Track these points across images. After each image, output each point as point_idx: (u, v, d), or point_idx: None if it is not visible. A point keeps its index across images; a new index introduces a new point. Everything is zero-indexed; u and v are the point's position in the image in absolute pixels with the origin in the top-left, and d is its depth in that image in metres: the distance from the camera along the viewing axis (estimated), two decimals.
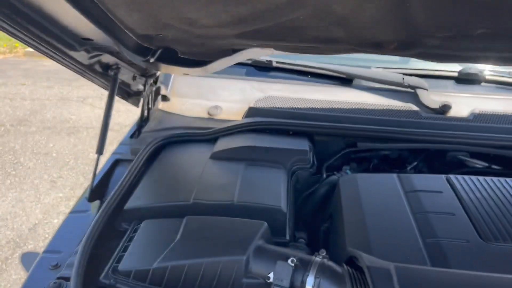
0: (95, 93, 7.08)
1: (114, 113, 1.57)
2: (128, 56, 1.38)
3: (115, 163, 1.71)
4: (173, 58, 1.47)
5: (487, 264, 1.09)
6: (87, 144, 5.38)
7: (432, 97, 1.93)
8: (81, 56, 1.40)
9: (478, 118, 1.85)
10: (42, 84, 7.62)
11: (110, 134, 1.54)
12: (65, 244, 1.26)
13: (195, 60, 1.50)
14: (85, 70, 1.50)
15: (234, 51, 1.42)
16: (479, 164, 1.97)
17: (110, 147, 1.84)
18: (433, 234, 1.19)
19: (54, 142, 5.40)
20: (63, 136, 5.58)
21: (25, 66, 8.75)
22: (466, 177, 1.46)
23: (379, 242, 1.18)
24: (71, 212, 1.42)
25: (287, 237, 1.35)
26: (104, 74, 1.58)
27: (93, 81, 1.62)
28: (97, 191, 1.53)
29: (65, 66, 1.43)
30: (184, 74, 1.63)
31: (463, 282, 0.99)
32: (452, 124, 1.80)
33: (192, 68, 1.53)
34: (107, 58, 1.52)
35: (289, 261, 1.08)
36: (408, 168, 1.85)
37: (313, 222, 1.60)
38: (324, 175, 1.66)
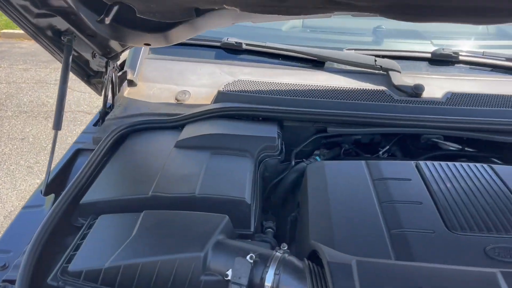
0: (73, 76, 6.88)
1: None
2: (80, 11, 1.30)
3: (76, 153, 1.63)
4: (131, 20, 1.37)
5: (452, 255, 1.06)
6: (65, 128, 5.25)
7: (405, 79, 1.88)
8: (28, 9, 1.33)
9: (452, 100, 1.81)
10: (19, 66, 7.38)
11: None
12: (15, 243, 1.19)
13: (155, 24, 1.40)
14: (36, 32, 1.43)
15: (197, 12, 1.31)
16: (453, 146, 1.94)
17: None
18: (398, 225, 1.15)
19: (31, 127, 5.26)
20: (40, 121, 5.43)
21: (1, 48, 8.47)
22: (436, 163, 1.42)
23: (343, 234, 1.14)
24: (24, 208, 1.36)
25: (252, 229, 1.30)
26: (57, 41, 1.51)
27: (47, 49, 1.54)
28: (55, 184, 1.46)
29: (14, 22, 1.36)
30: (145, 44, 1.54)
31: (425, 276, 0.96)
32: (425, 107, 1.76)
33: (152, 34, 1.43)
34: (59, 23, 1.46)
35: (248, 257, 1.03)
36: (381, 153, 1.81)
37: (282, 211, 1.55)
38: (293, 162, 1.61)
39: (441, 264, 1.01)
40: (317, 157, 1.65)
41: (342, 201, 1.26)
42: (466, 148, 1.94)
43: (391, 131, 1.72)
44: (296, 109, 1.71)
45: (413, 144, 1.98)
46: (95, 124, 1.85)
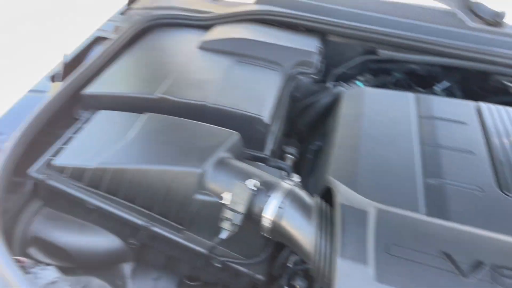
0: None
1: None
2: None
3: (95, 41, 1.49)
4: None
5: (496, 221, 0.86)
6: None
7: (485, 3, 1.53)
8: None
9: None
10: None
11: None
12: (10, 126, 1.10)
13: None
14: None
15: None
16: None
17: None
18: (438, 174, 0.94)
19: None
20: None
21: None
22: (502, 108, 1.16)
23: (369, 175, 0.95)
24: (29, 91, 1.25)
25: (267, 152, 1.14)
26: None
27: None
28: (68, 71, 1.34)
29: None
30: None
31: (454, 240, 0.78)
32: (504, 41, 1.43)
33: None
34: None
35: (250, 182, 0.88)
36: (438, 89, 1.54)
37: (308, 138, 1.37)
38: (330, 84, 1.39)
39: (479, 228, 0.82)
40: (360, 83, 1.42)
41: (376, 135, 1.06)
42: None
43: (456, 64, 1.43)
44: (343, 22, 1.45)
45: (478, 84, 1.68)
46: (122, 13, 1.67)
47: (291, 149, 1.29)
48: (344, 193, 0.86)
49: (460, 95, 1.64)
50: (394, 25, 1.45)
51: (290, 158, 1.27)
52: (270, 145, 1.17)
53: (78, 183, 0.95)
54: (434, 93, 1.55)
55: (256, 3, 1.61)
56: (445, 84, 1.55)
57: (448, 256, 0.75)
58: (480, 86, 1.67)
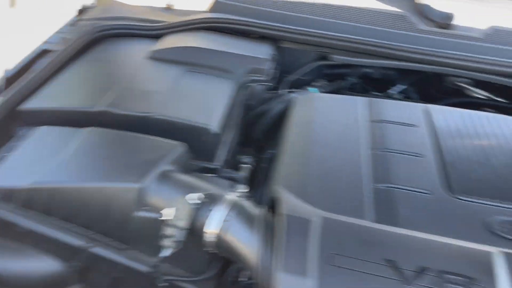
0: None
1: None
2: None
3: (41, 54, 1.43)
4: None
5: (446, 224, 0.84)
6: None
7: (435, 6, 1.54)
8: None
9: (493, 37, 1.47)
10: None
11: None
12: None
13: None
14: None
15: None
16: (482, 94, 1.64)
17: None
18: (387, 179, 0.93)
19: None
20: None
21: None
22: (452, 110, 1.16)
23: (317, 182, 0.93)
24: None
25: (219, 163, 1.11)
26: None
27: None
28: (9, 86, 1.28)
29: None
30: None
31: (402, 246, 0.76)
32: (456, 42, 1.44)
33: None
34: None
35: (193, 196, 0.85)
36: (393, 92, 1.54)
37: (264, 146, 1.34)
38: (283, 91, 1.37)
39: (428, 233, 0.80)
40: (314, 89, 1.40)
41: (325, 141, 1.04)
42: (497, 98, 1.65)
43: (409, 66, 1.43)
44: (296, 28, 1.43)
45: (434, 86, 1.69)
46: (71, 24, 1.62)
47: (247, 159, 1.26)
48: (289, 203, 0.84)
49: (416, 97, 1.65)
50: (347, 29, 1.44)
51: (245, 168, 1.24)
52: (222, 155, 1.14)
53: (9, 204, 0.89)
54: (389, 97, 1.55)
55: (209, 11, 1.59)
56: (400, 87, 1.55)
57: (392, 264, 0.73)
58: (436, 88, 1.68)
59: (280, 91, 1.38)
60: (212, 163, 1.10)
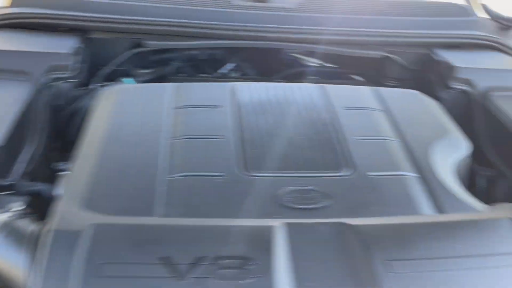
0: None
1: None
2: None
3: None
4: None
5: (237, 206, 0.83)
6: None
7: None
8: None
9: (305, 6, 1.50)
10: None
11: None
12: None
13: None
14: None
15: None
16: (314, 62, 1.70)
17: None
18: (180, 168, 0.89)
19: None
20: None
21: None
22: (258, 85, 1.16)
23: (108, 184, 0.86)
24: None
25: (14, 178, 0.99)
26: None
27: None
28: None
29: None
30: None
31: (176, 240, 0.72)
32: (271, 15, 1.45)
33: None
34: None
35: None
36: (224, 72, 1.52)
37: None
38: (95, 86, 1.27)
39: (219, 218, 0.78)
40: (129, 79, 1.32)
41: (123, 137, 0.97)
42: (326, 64, 1.71)
43: (228, 44, 1.41)
44: (105, 16, 1.33)
45: (271, 59, 1.71)
46: None
47: (64, 165, 1.15)
48: (62, 214, 0.76)
49: (254, 73, 1.65)
50: (160, 13, 1.37)
51: (63, 175, 1.13)
52: (19, 169, 1.02)
53: None
54: (223, 77, 1.53)
55: (10, 6, 1.41)
56: (229, 66, 1.53)
57: (167, 260, 0.69)
58: (274, 61, 1.70)
59: (92, 86, 1.28)
60: (4, 179, 0.98)
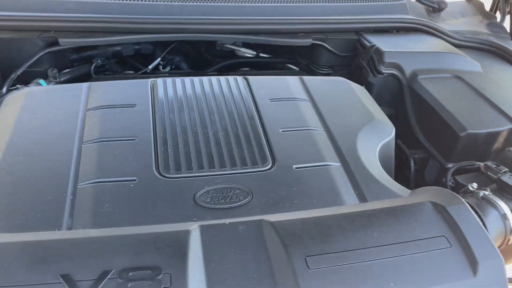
0: None
1: None
2: None
3: None
4: None
5: (151, 211, 0.78)
6: None
7: None
8: None
9: None
10: None
11: None
12: None
13: None
14: None
15: None
16: (249, 53, 1.66)
17: None
18: (93, 174, 0.82)
19: None
20: None
21: None
22: (176, 80, 1.09)
23: (11, 198, 0.78)
24: None
25: None
26: None
27: None
28: None
29: None
30: None
31: (79, 254, 0.66)
32: (189, 5, 1.37)
33: None
34: None
35: None
36: (152, 67, 1.44)
37: None
38: (4, 90, 1.17)
39: (131, 225, 0.73)
40: (42, 81, 1.22)
41: (28, 146, 0.89)
42: (261, 54, 1.68)
43: (146, 39, 1.34)
44: (12, 14, 1.22)
45: (205, 52, 1.65)
46: None
47: None
48: None
49: (186, 66, 1.59)
50: (73, 8, 1.27)
51: None
52: None
53: None
54: (153, 73, 1.46)
55: None
56: (157, 61, 1.46)
57: (67, 278, 0.63)
58: (209, 53, 1.64)
59: (3, 90, 1.18)
60: None
